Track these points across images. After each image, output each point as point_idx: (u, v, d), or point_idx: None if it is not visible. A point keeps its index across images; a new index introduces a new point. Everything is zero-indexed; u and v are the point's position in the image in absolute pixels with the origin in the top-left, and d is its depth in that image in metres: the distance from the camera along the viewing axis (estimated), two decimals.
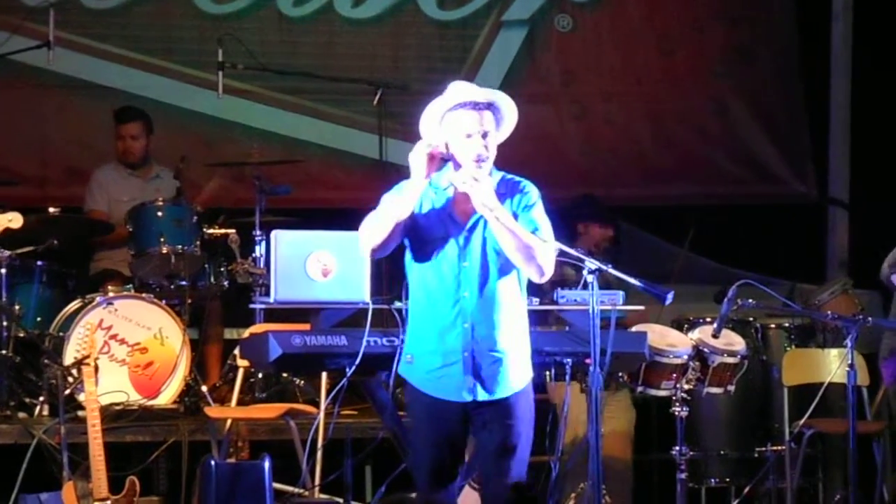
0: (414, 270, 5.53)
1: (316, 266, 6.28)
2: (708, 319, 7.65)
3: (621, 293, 6.52)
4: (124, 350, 7.98)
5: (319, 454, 7.26)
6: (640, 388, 7.15)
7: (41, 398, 7.89)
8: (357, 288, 6.20)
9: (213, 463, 7.08)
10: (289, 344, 6.11)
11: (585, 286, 5.71)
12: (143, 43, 9.96)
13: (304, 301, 6.35)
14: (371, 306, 5.92)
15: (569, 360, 6.27)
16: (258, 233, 8.40)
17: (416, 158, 5.38)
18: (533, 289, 5.73)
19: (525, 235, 5.39)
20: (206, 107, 9.87)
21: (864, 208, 10.43)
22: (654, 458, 8.34)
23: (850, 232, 10.65)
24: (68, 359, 7.69)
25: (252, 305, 7.53)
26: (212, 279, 8.42)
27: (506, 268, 5.47)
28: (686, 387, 7.15)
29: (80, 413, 7.42)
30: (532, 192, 5.53)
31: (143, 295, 8.13)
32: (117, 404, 7.73)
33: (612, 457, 7.98)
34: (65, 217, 8.46)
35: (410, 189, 5.39)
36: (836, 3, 10.71)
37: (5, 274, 7.94)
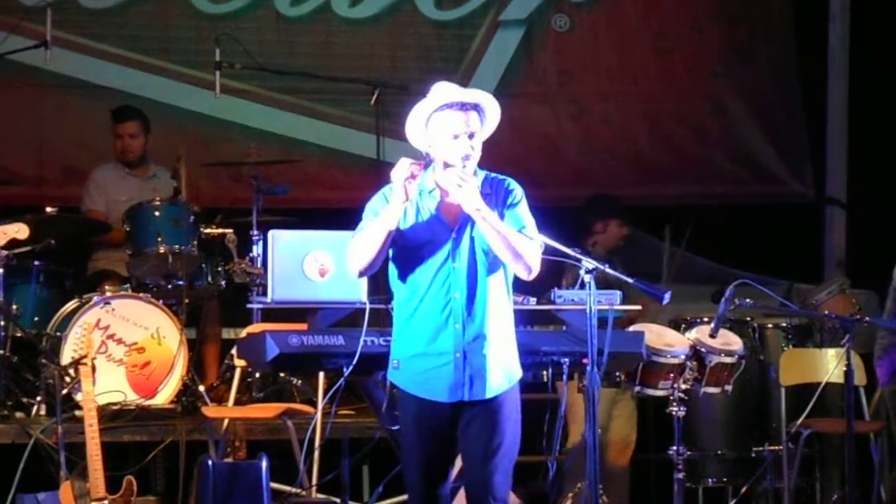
0: (400, 274, 5.53)
1: (313, 266, 6.29)
2: (705, 319, 7.65)
3: (619, 293, 6.53)
4: (121, 350, 7.97)
5: (317, 454, 7.26)
6: (637, 388, 7.16)
7: (38, 398, 7.90)
8: (354, 288, 6.20)
9: (210, 462, 7.08)
10: (286, 344, 6.11)
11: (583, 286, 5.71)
12: (140, 43, 9.95)
13: (301, 301, 6.36)
14: (368, 306, 5.92)
15: (566, 359, 6.28)
16: (255, 233, 8.39)
17: (399, 178, 5.38)
18: (533, 288, 5.74)
19: (511, 234, 5.42)
20: (203, 106, 9.86)
21: (862, 208, 10.43)
22: (651, 457, 8.34)
23: (847, 231, 10.65)
24: (65, 358, 7.69)
25: (249, 305, 7.53)
26: (209, 279, 8.42)
27: (494, 267, 5.50)
28: (683, 386, 7.15)
29: (77, 413, 7.41)
30: (516, 190, 5.56)
31: (141, 295, 8.13)
32: (114, 404, 7.73)
33: (613, 458, 8.01)
34: (62, 217, 8.45)
35: (392, 211, 5.41)
36: (834, 4, 10.70)
37: (2, 274, 7.93)
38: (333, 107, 10.17)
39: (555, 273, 5.86)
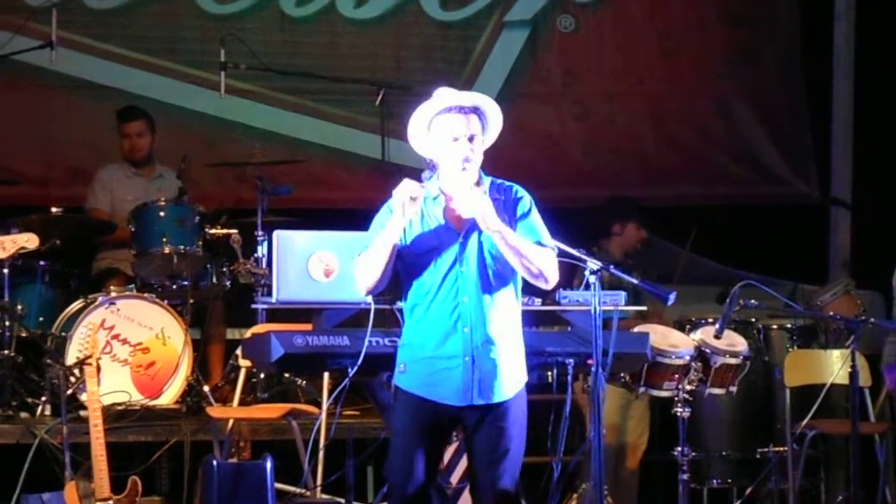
0: (409, 279, 5.54)
1: (318, 266, 6.29)
2: (710, 320, 7.65)
3: (623, 293, 6.53)
4: (126, 350, 7.98)
5: (321, 454, 7.26)
6: (642, 389, 7.16)
7: (43, 398, 7.90)
8: None
9: (215, 463, 7.08)
10: (291, 344, 6.11)
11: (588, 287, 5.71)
12: (145, 43, 9.96)
13: (306, 301, 6.36)
14: (373, 306, 5.91)
15: (571, 360, 6.28)
16: (260, 233, 8.39)
17: (399, 201, 5.38)
18: (538, 288, 5.73)
19: (531, 252, 5.44)
20: (208, 107, 9.87)
21: (867, 208, 10.43)
22: (656, 458, 8.33)
23: (852, 232, 10.65)
24: (70, 359, 7.69)
25: (254, 306, 7.54)
26: (214, 279, 8.42)
27: (502, 271, 5.50)
28: (688, 388, 7.15)
29: (82, 413, 7.42)
30: (526, 197, 5.57)
31: (146, 295, 8.14)
32: (119, 404, 7.74)
33: (623, 462, 8.02)
34: (67, 217, 8.46)
35: (392, 230, 5.41)
36: (839, 4, 10.70)
37: (8, 274, 7.94)
38: (338, 107, 10.17)
39: (564, 274, 5.85)
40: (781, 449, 8.05)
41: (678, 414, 7.12)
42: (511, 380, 5.51)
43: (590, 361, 5.73)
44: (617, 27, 10.62)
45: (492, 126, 5.54)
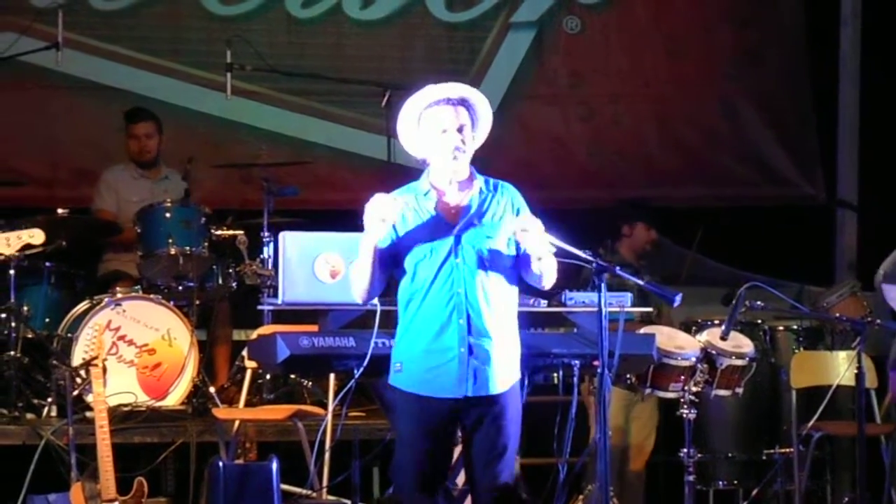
0: (404, 273, 5.55)
1: (324, 267, 6.29)
2: (716, 322, 7.65)
3: (629, 295, 6.52)
4: (132, 351, 7.98)
5: (327, 455, 7.25)
6: (647, 390, 7.15)
7: (49, 399, 7.91)
8: None
9: (220, 464, 7.08)
10: (297, 345, 6.11)
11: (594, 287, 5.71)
12: (151, 44, 9.96)
13: (312, 302, 6.35)
14: (379, 308, 5.91)
15: (577, 362, 6.28)
16: (266, 234, 8.39)
17: (369, 220, 5.40)
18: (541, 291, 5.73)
19: (553, 269, 5.47)
20: (214, 108, 9.87)
21: (873, 210, 10.42)
22: (662, 460, 8.33)
23: (858, 234, 10.64)
24: (76, 360, 7.70)
25: (260, 307, 7.54)
26: (220, 280, 8.42)
27: (498, 264, 5.52)
28: (694, 389, 7.14)
29: (88, 414, 7.42)
30: (517, 195, 5.61)
31: (152, 296, 8.14)
32: (125, 405, 7.74)
33: (629, 463, 8.01)
34: (73, 218, 8.45)
35: (366, 247, 5.45)
36: (845, 8, 10.69)
37: (14, 275, 7.94)
38: (344, 108, 10.17)
39: (567, 275, 5.84)
40: (787, 450, 8.06)
41: (684, 415, 7.11)
42: (506, 372, 5.52)
43: (596, 363, 5.73)
44: (622, 29, 10.61)
45: (482, 121, 5.55)
